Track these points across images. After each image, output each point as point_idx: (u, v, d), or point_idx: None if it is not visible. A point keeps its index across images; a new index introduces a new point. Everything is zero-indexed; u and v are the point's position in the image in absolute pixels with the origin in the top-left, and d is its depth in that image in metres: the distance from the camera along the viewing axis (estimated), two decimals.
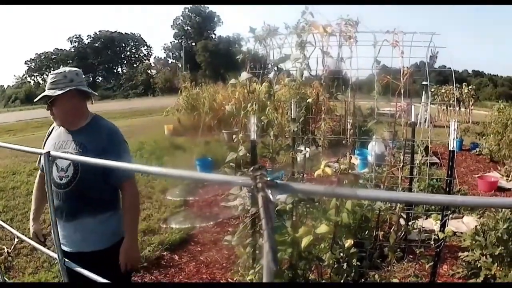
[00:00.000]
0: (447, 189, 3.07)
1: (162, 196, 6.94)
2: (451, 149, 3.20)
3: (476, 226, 4.38)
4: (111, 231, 2.53)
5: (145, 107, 28.35)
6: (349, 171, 3.17)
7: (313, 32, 3.52)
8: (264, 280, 0.77)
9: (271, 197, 0.74)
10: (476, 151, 11.27)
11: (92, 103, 2.74)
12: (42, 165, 2.64)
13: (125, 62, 74.08)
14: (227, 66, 41.35)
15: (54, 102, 2.44)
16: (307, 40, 3.44)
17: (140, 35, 75.62)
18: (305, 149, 3.71)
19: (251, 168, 0.79)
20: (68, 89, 2.41)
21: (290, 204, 2.86)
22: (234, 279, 3.14)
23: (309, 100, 4.61)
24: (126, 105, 32.86)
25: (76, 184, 2.40)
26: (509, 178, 7.88)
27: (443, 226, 2.96)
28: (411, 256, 4.23)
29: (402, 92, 4.12)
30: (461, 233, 4.82)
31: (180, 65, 62.64)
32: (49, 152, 1.28)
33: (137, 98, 51.08)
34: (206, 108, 14.38)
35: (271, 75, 3.38)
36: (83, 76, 2.61)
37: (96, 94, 2.88)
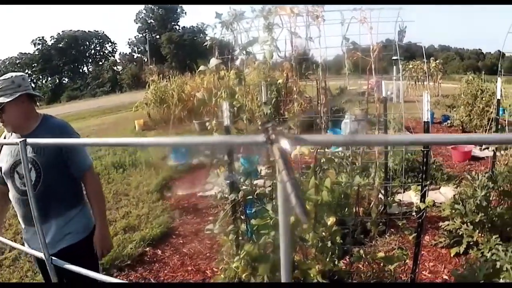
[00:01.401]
0: (424, 159, 3.08)
1: (138, 193, 6.83)
2: (426, 120, 3.20)
3: (454, 195, 4.44)
4: (82, 225, 2.59)
5: (114, 104, 27.95)
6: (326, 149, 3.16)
7: (280, 14, 3.49)
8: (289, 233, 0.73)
9: (287, 147, 0.71)
10: (448, 123, 11.47)
11: (38, 106, 2.78)
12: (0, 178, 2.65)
13: (90, 60, 73.14)
14: (192, 56, 41.07)
15: (3, 109, 2.42)
16: (274, 22, 3.40)
17: (103, 32, 74.77)
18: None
19: (260, 123, 0.76)
20: (18, 94, 2.41)
21: (269, 187, 2.85)
22: (220, 268, 3.11)
23: (279, 81, 4.58)
24: (94, 104, 32.31)
25: (41, 186, 2.42)
26: (482, 147, 8.02)
27: (423, 196, 2.97)
28: (393, 230, 4.27)
29: (372, 68, 4.12)
30: (440, 203, 4.88)
31: (146, 59, 62.29)
32: (25, 140, 1.24)
33: (105, 96, 50.51)
34: (175, 100, 14.37)
35: (238, 62, 3.33)
36: (29, 79, 2.66)
37: (42, 96, 2.94)
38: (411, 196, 5.15)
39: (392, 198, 4.14)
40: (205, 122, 11.47)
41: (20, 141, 1.21)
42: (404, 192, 5.14)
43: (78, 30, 71.26)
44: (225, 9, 3.33)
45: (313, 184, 2.70)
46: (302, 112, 8.00)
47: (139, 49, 73.84)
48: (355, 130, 6.46)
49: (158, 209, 6.01)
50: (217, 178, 2.96)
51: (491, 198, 4.03)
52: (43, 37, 68.05)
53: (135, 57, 73.29)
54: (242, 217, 3.00)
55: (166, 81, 16.15)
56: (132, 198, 6.59)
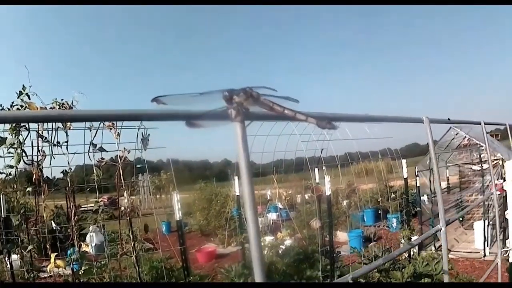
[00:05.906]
0: (183, 256, 3.23)
1: None
2: (178, 219, 3.39)
3: None
4: None
5: None
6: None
7: None
8: None
9: None
10: (186, 229, 12.07)
11: None
12: None
13: None
14: None
15: None
16: (22, 125, 3.27)
17: None
18: (10, 252, 3.40)
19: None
20: None
21: None
22: None
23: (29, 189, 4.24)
24: None
25: None
26: (225, 245, 8.71)
27: None
28: None
29: (121, 177, 4.22)
30: None
31: None
32: None
33: None
34: None
35: None
36: None
37: None
38: None
39: None
40: None
41: None
42: None
43: None
44: None
45: None
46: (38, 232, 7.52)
47: None
48: (100, 243, 6.37)
49: None
50: None
51: None
52: None
53: None
54: None
55: None
56: None
